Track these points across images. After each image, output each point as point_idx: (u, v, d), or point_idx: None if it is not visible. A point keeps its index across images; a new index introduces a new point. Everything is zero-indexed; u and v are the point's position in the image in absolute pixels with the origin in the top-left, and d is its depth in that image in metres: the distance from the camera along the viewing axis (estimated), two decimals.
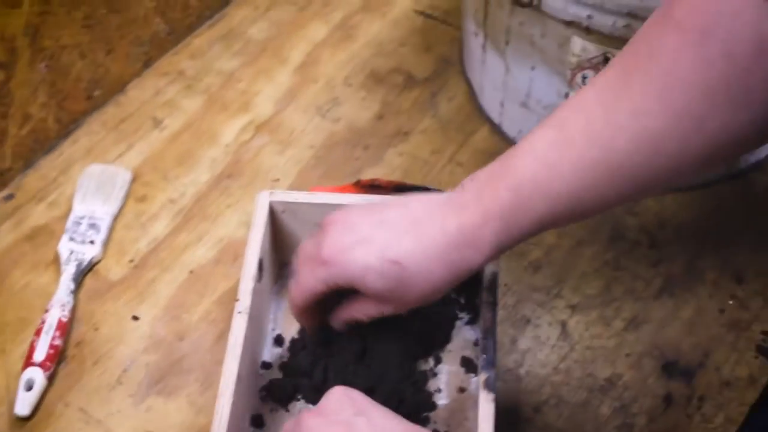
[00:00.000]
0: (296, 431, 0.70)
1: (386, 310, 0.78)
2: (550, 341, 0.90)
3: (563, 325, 0.91)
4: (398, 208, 0.77)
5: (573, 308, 0.92)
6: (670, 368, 0.88)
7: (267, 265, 0.88)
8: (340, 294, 0.79)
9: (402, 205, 0.77)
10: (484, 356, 0.79)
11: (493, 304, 0.82)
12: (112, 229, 0.98)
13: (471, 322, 0.90)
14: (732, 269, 0.94)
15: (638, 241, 0.97)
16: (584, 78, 0.92)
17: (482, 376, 0.77)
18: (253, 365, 0.85)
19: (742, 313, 0.91)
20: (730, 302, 0.92)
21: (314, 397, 0.85)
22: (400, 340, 0.86)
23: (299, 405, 0.85)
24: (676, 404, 0.86)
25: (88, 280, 0.95)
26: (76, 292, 0.93)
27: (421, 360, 0.87)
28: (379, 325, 0.87)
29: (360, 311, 0.79)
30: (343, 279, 0.76)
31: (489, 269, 0.83)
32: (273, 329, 0.90)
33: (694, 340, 0.90)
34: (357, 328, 0.87)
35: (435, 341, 0.88)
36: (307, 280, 0.78)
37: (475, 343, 0.88)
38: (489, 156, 1.03)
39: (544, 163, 0.70)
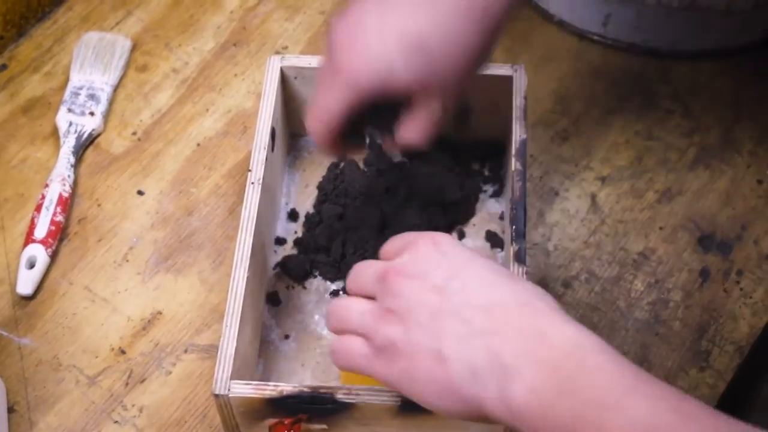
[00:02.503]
0: (382, 291, 0.61)
1: (434, 106, 0.68)
2: (579, 214, 0.85)
3: (593, 197, 0.86)
4: None
5: (603, 180, 0.87)
6: (706, 241, 0.84)
7: (279, 135, 0.83)
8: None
9: None
10: (514, 227, 0.74)
11: (522, 173, 0.77)
12: (112, 100, 0.92)
13: (496, 194, 0.85)
14: None
15: (671, 109, 0.91)
16: None
17: (512, 248, 0.73)
18: (267, 240, 0.80)
19: None
20: None
21: (331, 274, 0.81)
22: (421, 213, 0.82)
23: (316, 282, 0.81)
24: (713, 279, 0.82)
25: (89, 154, 0.89)
26: (76, 166, 0.88)
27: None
28: (399, 197, 0.82)
29: (412, 130, 0.70)
30: (371, 84, 0.66)
31: (517, 136, 0.78)
32: (287, 203, 0.85)
33: (731, 213, 0.85)
34: (376, 200, 0.83)
35: (458, 214, 0.83)
36: (326, 99, 0.68)
37: (501, 217, 0.84)
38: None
39: None
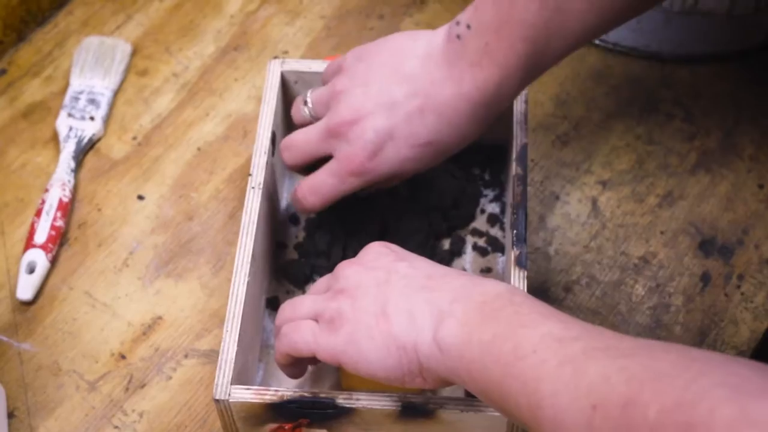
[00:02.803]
0: (333, 281, 0.67)
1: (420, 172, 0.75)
2: (580, 219, 0.85)
3: (594, 201, 0.86)
4: (399, 82, 0.71)
5: (604, 184, 0.87)
6: (707, 246, 0.84)
7: (280, 139, 0.83)
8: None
9: (396, 75, 0.71)
10: (515, 231, 0.74)
11: (523, 177, 0.77)
12: (112, 105, 0.92)
13: (496, 199, 0.85)
14: None
15: (672, 113, 0.91)
16: None
17: (513, 253, 0.73)
18: (267, 245, 0.80)
19: None
20: None
21: None
22: (422, 218, 0.81)
23: None
24: (714, 283, 0.82)
25: (89, 159, 0.89)
26: (76, 171, 0.88)
27: (444, 239, 0.83)
28: (400, 202, 0.82)
29: (387, 184, 0.76)
30: (381, 180, 0.73)
31: (518, 141, 0.78)
32: (287, 208, 0.85)
33: (732, 217, 0.85)
34: (377, 205, 0.82)
35: (459, 219, 0.83)
36: (334, 187, 0.73)
37: (501, 221, 0.84)
38: None
39: (553, 4, 0.66)
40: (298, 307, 0.68)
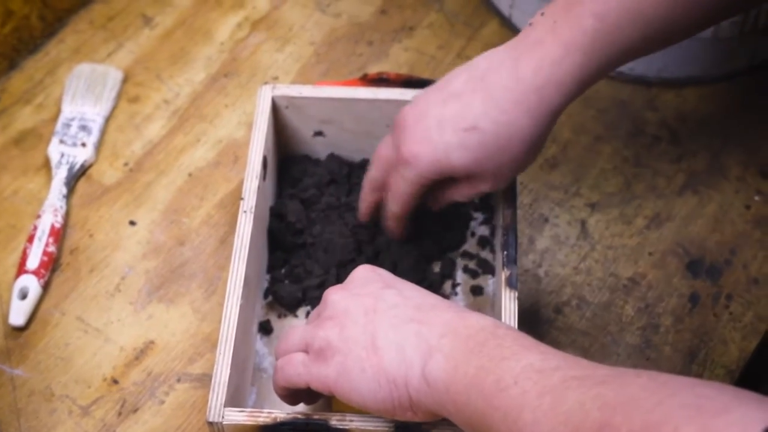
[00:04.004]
0: (322, 308, 0.67)
1: (484, 187, 0.72)
2: (569, 241, 0.86)
3: (582, 223, 0.87)
4: (463, 73, 0.71)
5: (592, 206, 0.88)
6: (695, 266, 0.84)
7: (271, 164, 0.83)
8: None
9: (467, 69, 0.71)
10: (505, 253, 0.74)
11: (513, 199, 0.77)
12: (104, 132, 0.93)
13: (486, 221, 0.85)
14: (757, 164, 0.90)
15: (659, 136, 0.92)
16: None
17: (504, 274, 0.73)
18: (259, 269, 0.80)
19: None
20: (756, 198, 0.88)
21: None
22: (413, 241, 0.82)
23: (307, 311, 0.81)
24: (702, 303, 0.82)
25: (81, 185, 0.90)
26: (68, 197, 0.88)
27: (435, 262, 0.83)
28: None
29: (457, 193, 0.74)
30: (431, 171, 0.71)
31: None
32: None
33: (720, 238, 0.86)
34: (368, 228, 0.83)
35: (449, 242, 0.84)
36: (398, 185, 0.73)
37: (491, 243, 0.84)
38: None
39: None
40: (290, 338, 0.68)
